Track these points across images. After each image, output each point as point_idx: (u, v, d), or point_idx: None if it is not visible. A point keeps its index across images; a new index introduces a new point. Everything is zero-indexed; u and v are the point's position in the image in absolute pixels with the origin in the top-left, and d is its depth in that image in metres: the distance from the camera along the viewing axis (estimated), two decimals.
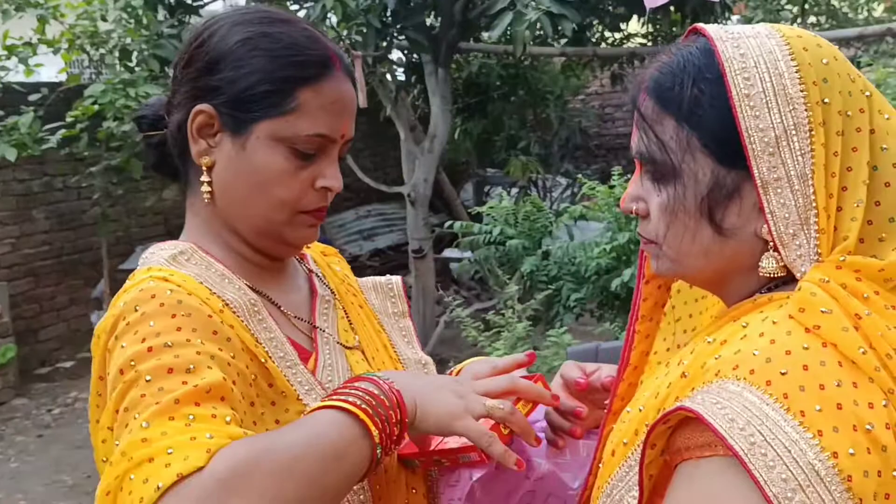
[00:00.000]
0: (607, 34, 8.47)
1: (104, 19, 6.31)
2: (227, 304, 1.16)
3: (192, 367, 1.03)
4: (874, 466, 0.80)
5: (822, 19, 8.45)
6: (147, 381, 1.02)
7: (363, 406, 1.05)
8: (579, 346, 2.91)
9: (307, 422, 1.05)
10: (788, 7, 9.57)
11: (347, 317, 1.36)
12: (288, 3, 6.86)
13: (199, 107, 1.18)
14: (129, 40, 6.06)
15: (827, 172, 0.91)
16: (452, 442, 1.21)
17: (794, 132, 0.91)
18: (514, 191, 9.30)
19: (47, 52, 6.24)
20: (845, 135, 0.92)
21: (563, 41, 7.37)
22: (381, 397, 1.07)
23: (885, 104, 0.95)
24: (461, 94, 9.14)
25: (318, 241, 1.39)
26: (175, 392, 1.00)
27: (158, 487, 0.92)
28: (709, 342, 0.94)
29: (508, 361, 1.26)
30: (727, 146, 0.93)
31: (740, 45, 0.95)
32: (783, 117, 0.92)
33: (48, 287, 7.32)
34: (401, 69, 7.78)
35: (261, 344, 1.17)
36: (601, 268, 4.69)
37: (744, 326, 0.92)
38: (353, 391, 1.07)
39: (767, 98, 0.92)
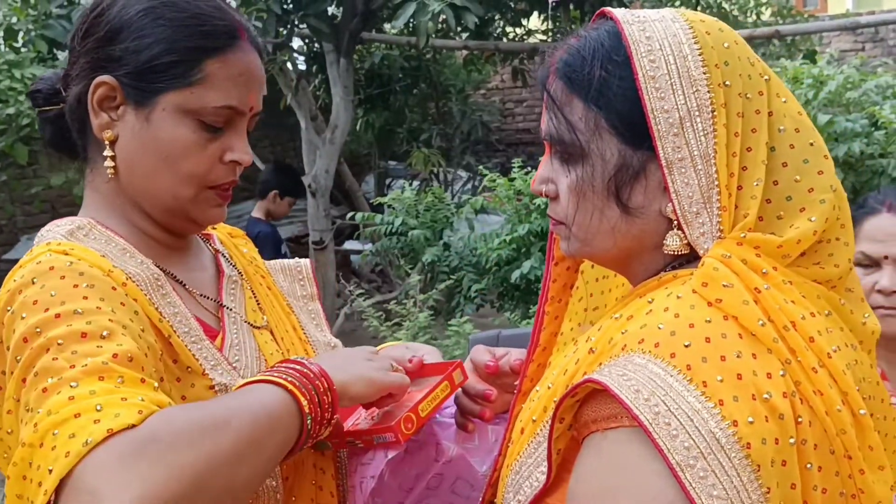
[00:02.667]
0: (509, 29, 8.56)
1: None
2: (129, 278, 1.12)
3: (106, 333, 1.00)
4: (772, 434, 0.83)
5: None
6: (59, 344, 0.98)
7: (290, 379, 1.05)
8: (481, 333, 2.93)
9: (237, 392, 1.05)
10: (681, 9, 9.85)
11: (255, 297, 1.33)
12: None
13: (100, 78, 1.14)
14: (14, 20, 5.80)
15: (728, 152, 0.94)
16: (365, 423, 1.20)
17: (697, 113, 0.94)
18: (416, 183, 9.30)
19: None
20: (745, 116, 0.95)
21: (466, 35, 7.41)
22: (306, 371, 1.07)
23: (782, 88, 0.99)
24: (363, 85, 9.09)
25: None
26: (96, 356, 0.97)
27: (87, 442, 0.88)
28: (616, 318, 0.96)
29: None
30: (633, 127, 0.95)
31: (646, 28, 0.97)
32: (687, 99, 0.94)
33: None
34: (302, 58, 7.69)
35: (165, 319, 1.14)
36: (501, 259, 4.75)
37: (649, 302, 0.94)
38: (285, 370, 1.07)
39: (672, 80, 0.94)
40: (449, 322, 4.27)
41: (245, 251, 1.41)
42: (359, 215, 5.47)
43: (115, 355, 0.98)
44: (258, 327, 1.29)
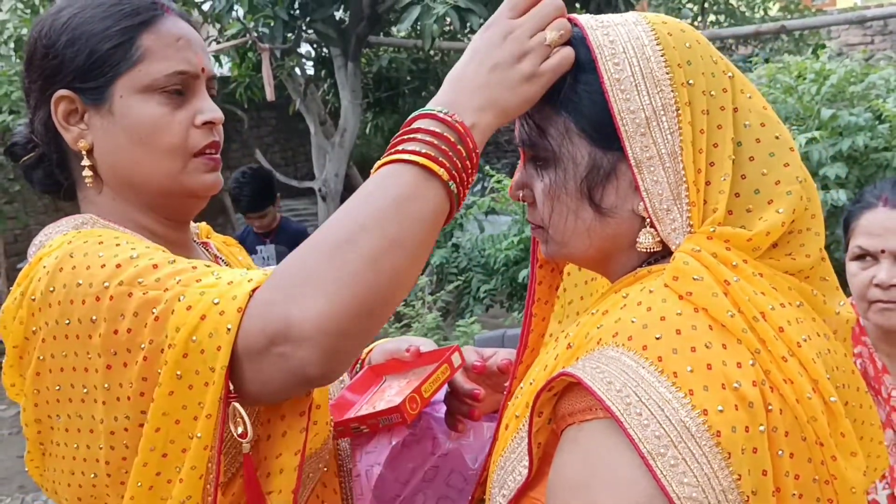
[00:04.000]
0: None
1: None
2: None
3: (172, 259, 1.03)
4: (742, 422, 0.85)
5: (722, 17, 8.74)
6: (140, 283, 1.00)
7: (422, 150, 0.97)
8: (487, 333, 2.95)
9: (360, 189, 1.00)
10: (689, 6, 9.85)
11: None
12: None
13: (56, 95, 1.17)
14: (24, 31, 5.87)
15: (695, 149, 0.96)
16: (369, 409, 1.23)
17: (662, 112, 0.96)
18: None
19: None
20: (710, 113, 0.97)
21: (472, 36, 7.44)
22: (444, 133, 0.98)
23: (746, 84, 1.01)
24: (371, 89, 9.13)
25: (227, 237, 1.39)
26: (179, 273, 1.00)
27: (238, 305, 0.94)
28: (592, 314, 0.98)
29: None
30: (602, 129, 0.98)
31: (609, 32, 1.00)
32: (652, 99, 0.96)
33: None
34: (310, 63, 7.73)
35: None
36: (510, 259, 4.77)
37: (624, 297, 0.96)
38: (409, 138, 0.99)
39: (636, 81, 0.97)
40: (457, 323, 4.29)
41: (241, 258, 1.44)
42: None
43: (193, 266, 1.01)
44: None
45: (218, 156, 1.23)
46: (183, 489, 0.99)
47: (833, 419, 0.92)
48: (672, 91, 0.96)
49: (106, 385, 1.01)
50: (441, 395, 1.29)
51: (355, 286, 0.93)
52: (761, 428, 0.86)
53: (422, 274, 4.94)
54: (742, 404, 0.85)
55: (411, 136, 0.99)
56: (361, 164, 9.85)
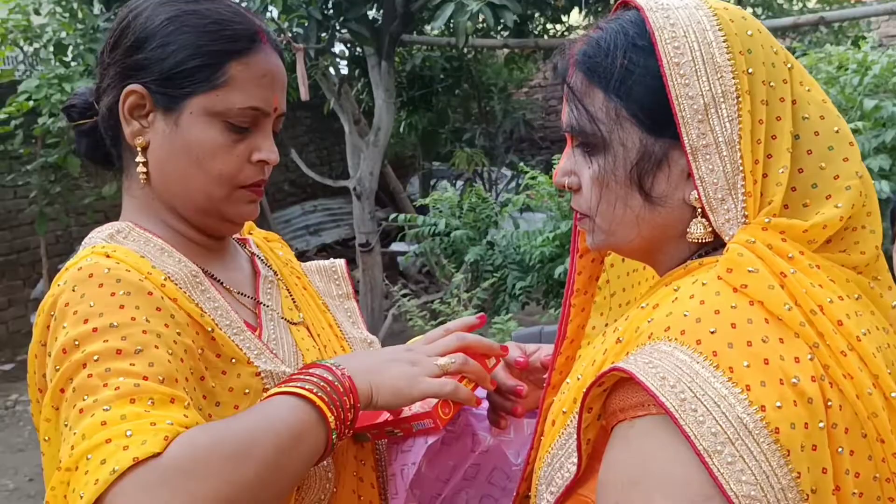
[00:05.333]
0: (549, 26, 8.52)
1: (37, 13, 6.17)
2: (168, 277, 1.15)
3: (139, 348, 1.03)
4: (801, 419, 0.82)
5: (759, 10, 8.61)
6: (95, 361, 1.01)
7: (319, 393, 1.05)
8: (523, 330, 2.93)
9: (264, 407, 1.05)
10: None
11: (291, 296, 1.36)
12: None
13: (129, 87, 1.18)
14: (63, 34, 5.94)
15: (753, 139, 0.93)
16: (405, 411, 1.22)
17: (722, 99, 0.94)
18: (460, 183, 9.32)
19: None
20: (769, 104, 0.94)
21: (506, 33, 7.40)
22: (336, 383, 1.07)
23: (805, 75, 0.98)
24: (405, 87, 9.13)
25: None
26: (129, 376, 1.00)
27: (114, 470, 0.92)
28: (642, 308, 0.96)
29: (459, 324, 1.27)
30: (655, 115, 0.95)
31: (670, 15, 0.97)
32: (712, 85, 0.94)
33: None
34: (344, 62, 7.75)
35: (206, 314, 1.17)
36: (545, 256, 4.74)
37: (675, 290, 0.94)
38: (307, 378, 1.08)
39: (697, 66, 0.94)
40: (493, 320, 4.28)
41: (280, 254, 1.43)
42: (401, 217, 5.49)
43: (145, 377, 1.01)
44: (295, 323, 1.31)
45: (262, 189, 1.24)
46: None
47: (894, 415, 0.89)
48: (733, 78, 0.93)
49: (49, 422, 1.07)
50: (481, 391, 1.27)
51: (226, 502, 0.95)
52: (821, 424, 0.83)
53: (457, 271, 4.96)
54: (801, 400, 0.83)
55: (308, 377, 1.08)
56: (395, 163, 9.86)
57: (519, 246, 4.90)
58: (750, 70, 0.94)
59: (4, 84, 6.12)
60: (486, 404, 1.28)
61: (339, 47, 7.42)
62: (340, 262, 1.52)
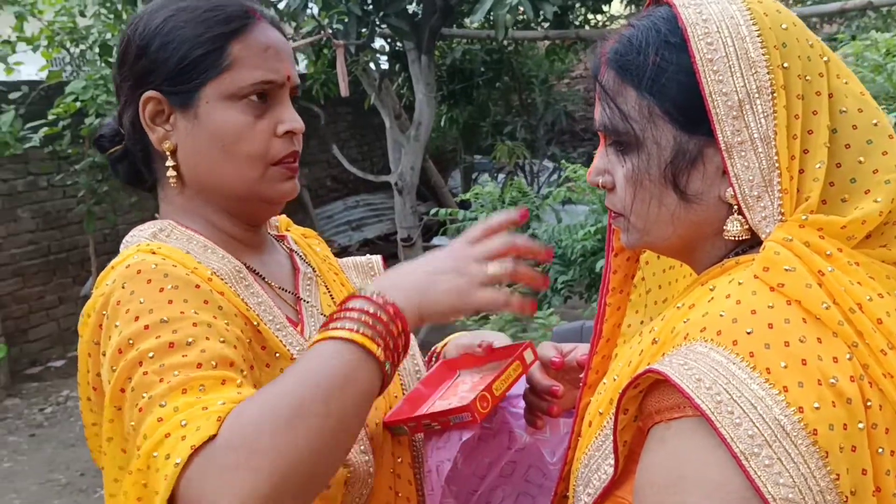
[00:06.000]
0: (590, 16, 8.46)
1: (83, 15, 6.28)
2: (214, 273, 1.17)
3: (191, 340, 1.04)
4: (840, 420, 0.81)
5: None
6: (150, 358, 1.03)
7: (360, 329, 1.03)
8: (565, 325, 2.92)
9: (306, 360, 1.03)
10: None
11: (329, 292, 1.37)
12: None
13: (144, 95, 1.20)
14: (109, 35, 6.03)
15: (789, 134, 0.92)
16: (442, 405, 1.22)
17: (756, 95, 0.92)
18: (502, 176, 9.29)
19: (27, 49, 6.20)
20: (805, 98, 0.93)
21: (546, 24, 7.36)
22: (378, 314, 1.05)
23: (842, 68, 0.96)
24: (446, 81, 9.13)
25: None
26: (182, 367, 1.02)
27: (177, 463, 0.94)
28: (678, 308, 0.95)
29: (502, 220, 1.18)
30: (689, 112, 0.94)
31: (702, 10, 0.96)
32: (746, 81, 0.92)
33: (36, 287, 7.30)
34: (384, 57, 7.76)
35: (251, 308, 1.18)
36: (587, 250, 4.71)
37: (711, 290, 0.93)
38: (346, 315, 1.05)
39: (730, 62, 0.93)
40: (535, 315, 4.26)
41: (318, 250, 1.45)
42: (442, 211, 5.49)
43: (199, 364, 1.02)
44: None
45: (296, 164, 1.24)
46: None
47: None
48: (768, 73, 0.92)
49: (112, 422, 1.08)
50: (519, 388, 1.27)
51: (290, 468, 0.95)
52: (860, 425, 0.82)
53: None
54: (840, 401, 0.81)
55: (346, 314, 1.05)
56: (437, 157, 9.87)
57: (561, 240, 4.87)
58: (785, 64, 0.93)
59: (52, 85, 6.23)
60: (522, 403, 1.28)
61: (379, 42, 7.44)
62: (377, 258, 1.54)
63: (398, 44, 7.31)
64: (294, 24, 6.77)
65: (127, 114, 1.24)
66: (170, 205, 1.26)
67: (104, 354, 1.08)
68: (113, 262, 1.18)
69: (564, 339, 2.31)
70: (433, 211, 5.61)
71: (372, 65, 7.16)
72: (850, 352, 0.84)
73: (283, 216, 1.44)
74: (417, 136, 6.71)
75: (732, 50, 0.93)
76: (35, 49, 6.28)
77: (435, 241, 8.59)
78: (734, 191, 0.93)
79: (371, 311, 1.05)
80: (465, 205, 5.83)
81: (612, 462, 0.94)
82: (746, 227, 0.95)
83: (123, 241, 1.25)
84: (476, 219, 5.25)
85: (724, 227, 0.96)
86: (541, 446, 1.27)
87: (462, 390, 1.28)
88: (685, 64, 0.94)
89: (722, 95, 0.92)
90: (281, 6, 6.41)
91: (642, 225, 1.00)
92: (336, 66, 5.94)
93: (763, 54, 0.93)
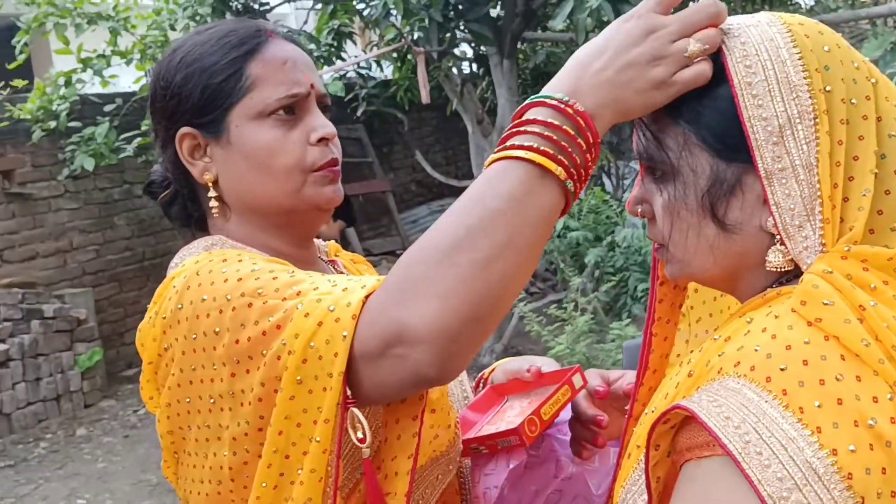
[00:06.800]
0: None
1: (173, 28, 6.48)
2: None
3: (292, 271, 1.07)
4: (877, 463, 0.77)
5: (840, 1, 7.98)
6: (259, 293, 1.04)
7: (538, 146, 0.93)
8: (634, 341, 2.86)
9: (473, 185, 0.97)
10: (778, 11, 9.07)
11: None
12: (353, 2, 6.93)
13: (179, 133, 1.22)
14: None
15: (832, 161, 0.88)
16: (490, 429, 1.22)
17: (798, 120, 0.88)
18: None
19: (121, 63, 6.44)
20: (850, 123, 0.89)
21: None
22: (564, 127, 0.93)
23: (891, 89, 0.92)
24: (529, 85, 9.08)
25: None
26: (298, 283, 1.04)
27: (352, 312, 0.96)
28: (715, 339, 0.92)
29: None
30: (725, 139, 0.91)
31: (741, 34, 0.93)
32: (787, 105, 0.89)
33: (131, 291, 7.57)
34: (466, 62, 7.78)
35: None
36: None
37: (748, 322, 0.89)
38: (525, 130, 0.94)
39: (770, 86, 0.89)
40: (611, 325, 4.20)
41: (367, 275, 1.45)
42: None
43: (311, 276, 1.04)
44: None
45: (338, 168, 1.25)
46: (304, 491, 1.01)
47: None
48: (810, 97, 0.88)
49: (231, 392, 1.05)
50: (567, 414, 1.26)
51: (467, 291, 0.93)
52: None
53: (578, 276, 4.90)
54: (878, 443, 0.77)
55: (524, 127, 0.94)
56: None
57: (641, 246, 4.80)
58: (828, 88, 0.89)
59: (145, 97, 6.44)
60: (569, 431, 1.26)
61: (461, 47, 7.46)
62: None
63: (481, 48, 7.31)
64: (378, 31, 6.85)
65: (167, 154, 1.26)
66: (220, 231, 1.28)
67: (196, 337, 1.07)
68: (166, 279, 1.18)
69: (635, 355, 2.27)
70: None
71: (454, 70, 7.18)
72: (891, 391, 0.80)
73: (333, 242, 1.46)
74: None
75: (773, 73, 0.90)
76: (128, 62, 6.52)
77: None
78: (774, 220, 0.90)
79: (554, 122, 0.93)
80: None
81: (647, 498, 0.91)
82: (789, 257, 0.91)
83: (170, 265, 1.25)
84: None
85: (766, 258, 0.92)
86: (587, 477, 1.25)
87: (510, 415, 1.28)
88: (723, 90, 0.91)
89: (762, 121, 0.89)
90: (364, 13, 6.50)
91: (682, 255, 0.97)
92: (416, 74, 5.98)
93: (805, 78, 0.89)
